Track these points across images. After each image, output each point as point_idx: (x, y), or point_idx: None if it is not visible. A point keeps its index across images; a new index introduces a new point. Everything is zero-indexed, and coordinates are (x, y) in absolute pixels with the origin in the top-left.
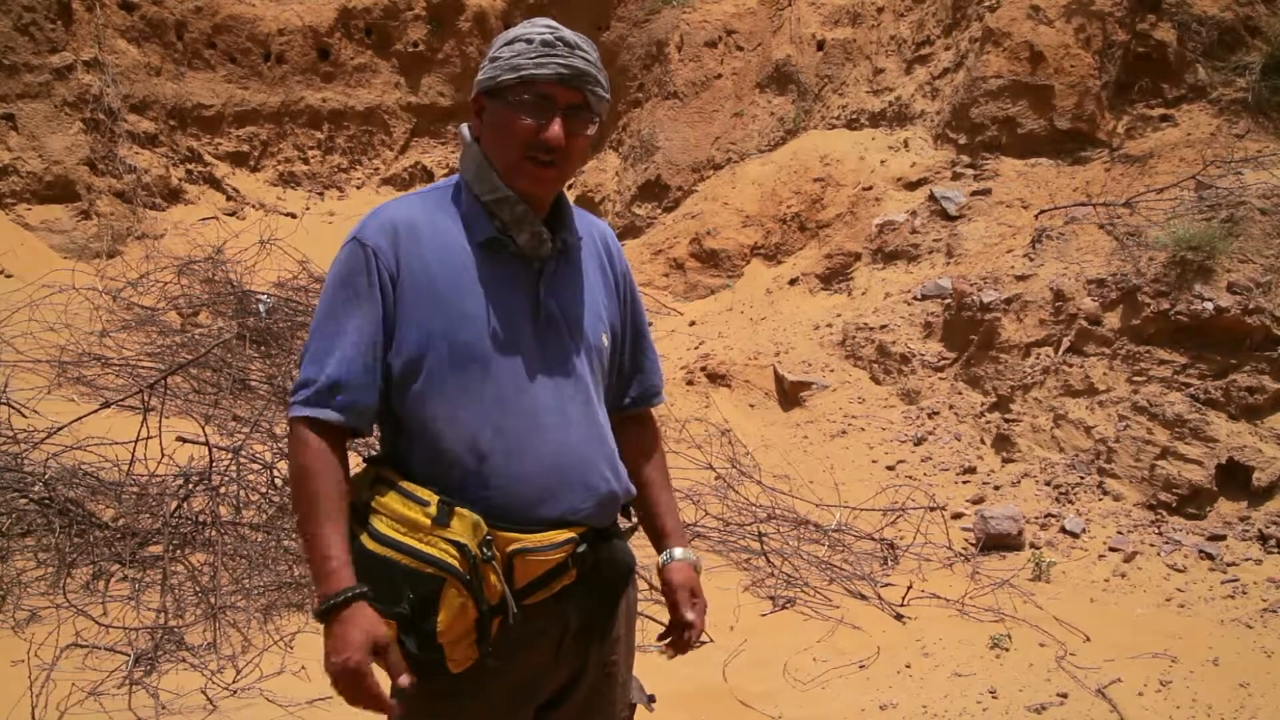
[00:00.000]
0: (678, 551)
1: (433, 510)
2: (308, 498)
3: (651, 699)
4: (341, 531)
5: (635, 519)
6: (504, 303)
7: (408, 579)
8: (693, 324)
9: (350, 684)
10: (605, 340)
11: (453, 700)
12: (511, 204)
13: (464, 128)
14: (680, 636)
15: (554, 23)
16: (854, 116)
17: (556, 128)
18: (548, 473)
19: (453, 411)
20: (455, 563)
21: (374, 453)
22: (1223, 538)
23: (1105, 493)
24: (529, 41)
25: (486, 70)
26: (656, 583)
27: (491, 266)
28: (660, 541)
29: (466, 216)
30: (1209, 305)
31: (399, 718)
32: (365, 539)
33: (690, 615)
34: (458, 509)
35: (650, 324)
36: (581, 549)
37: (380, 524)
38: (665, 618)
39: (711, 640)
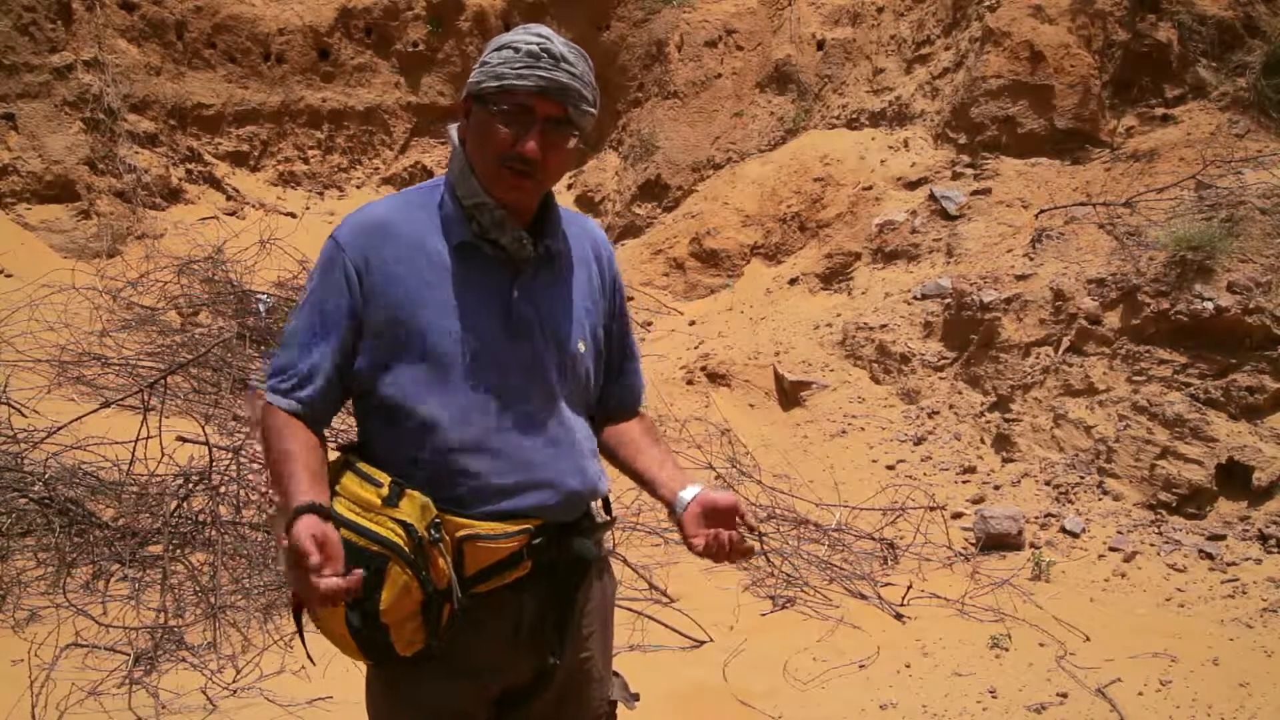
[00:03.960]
0: (683, 494)
1: (385, 490)
2: (279, 454)
3: (635, 697)
4: (311, 470)
5: (611, 514)
6: (476, 305)
7: (355, 556)
8: (693, 324)
9: (292, 570)
10: (583, 346)
11: (406, 685)
12: (490, 209)
13: (452, 129)
14: (710, 548)
15: (547, 32)
16: (854, 116)
17: (533, 142)
18: (505, 471)
19: (418, 408)
20: (400, 541)
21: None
22: (1223, 537)
23: (1105, 492)
24: (516, 50)
25: (475, 74)
26: (657, 581)
27: (465, 268)
28: (658, 493)
29: (446, 219)
30: (1209, 305)
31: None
32: None
33: (697, 541)
34: (409, 490)
35: (650, 324)
36: (538, 541)
37: (339, 505)
38: (665, 617)
39: (711, 640)
